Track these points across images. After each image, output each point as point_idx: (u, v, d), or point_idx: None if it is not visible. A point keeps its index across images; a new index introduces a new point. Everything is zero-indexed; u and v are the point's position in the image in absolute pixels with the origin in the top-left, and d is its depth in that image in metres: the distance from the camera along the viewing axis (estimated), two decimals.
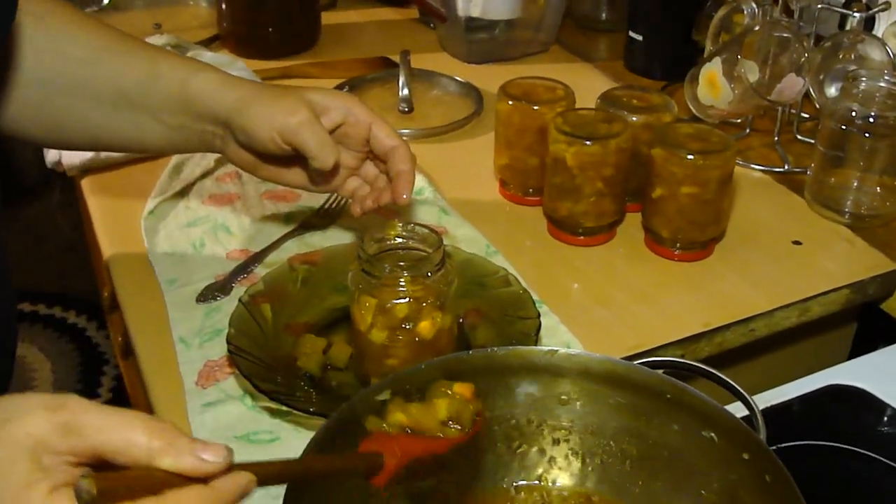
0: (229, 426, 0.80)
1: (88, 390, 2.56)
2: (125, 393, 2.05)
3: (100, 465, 0.48)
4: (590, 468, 0.73)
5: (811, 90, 1.16)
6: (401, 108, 1.31)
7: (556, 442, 0.73)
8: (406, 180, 0.87)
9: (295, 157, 0.87)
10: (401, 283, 0.78)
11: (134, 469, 0.48)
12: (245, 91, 0.84)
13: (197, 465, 0.48)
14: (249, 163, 0.89)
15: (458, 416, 0.66)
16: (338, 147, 0.85)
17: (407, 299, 0.78)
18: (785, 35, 1.12)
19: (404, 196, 0.87)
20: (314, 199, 1.09)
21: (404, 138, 0.89)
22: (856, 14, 1.18)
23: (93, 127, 0.88)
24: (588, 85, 1.37)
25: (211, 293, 0.95)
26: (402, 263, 0.79)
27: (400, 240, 0.82)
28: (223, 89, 0.85)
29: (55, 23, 0.85)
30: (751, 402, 0.71)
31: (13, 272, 0.84)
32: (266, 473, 0.52)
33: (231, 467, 0.50)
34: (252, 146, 0.86)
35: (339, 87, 1.37)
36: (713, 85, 1.12)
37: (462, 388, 0.66)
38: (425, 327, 0.79)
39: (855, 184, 1.08)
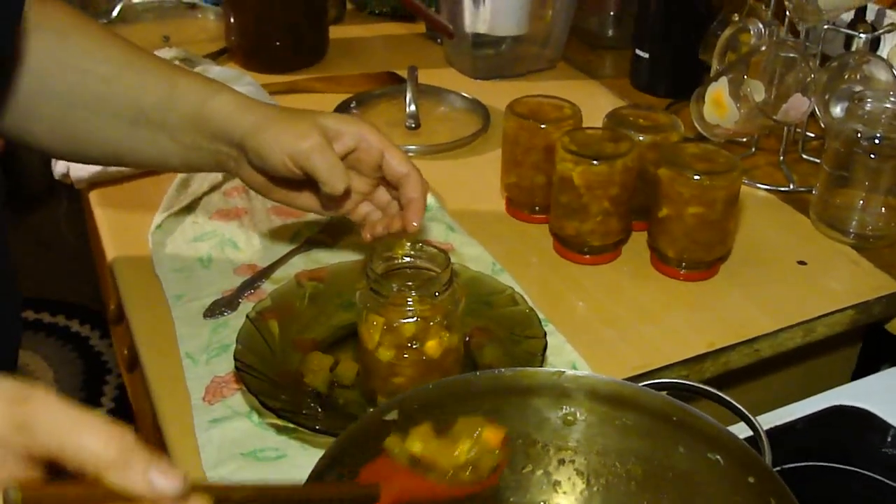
0: (236, 443, 0.81)
1: (91, 399, 2.56)
2: (128, 402, 2.06)
3: (55, 465, 0.47)
4: (595, 489, 0.73)
5: (817, 110, 1.16)
6: (408, 124, 1.32)
7: (561, 462, 0.73)
8: (417, 208, 0.87)
9: (307, 181, 0.87)
10: (408, 303, 0.78)
11: (79, 479, 0.46)
12: (260, 114, 0.85)
13: (144, 488, 0.45)
14: (262, 185, 0.89)
15: (477, 463, 0.64)
16: (348, 172, 0.85)
17: (414, 318, 0.78)
18: (791, 55, 1.13)
19: (414, 224, 0.87)
20: (320, 216, 1.09)
21: (411, 155, 0.90)
22: (861, 35, 1.19)
23: (110, 142, 0.89)
24: (594, 102, 1.38)
25: (218, 309, 0.95)
26: (410, 283, 0.79)
27: (408, 259, 0.82)
28: (240, 112, 0.85)
29: (78, 39, 0.86)
30: (756, 425, 0.71)
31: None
32: (233, 498, 0.49)
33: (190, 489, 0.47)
34: (264, 169, 0.86)
35: (346, 102, 1.38)
36: (719, 104, 1.13)
37: (491, 435, 0.64)
38: (432, 346, 0.79)
39: (860, 204, 1.08)
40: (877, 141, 1.04)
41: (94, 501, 0.45)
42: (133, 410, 1.96)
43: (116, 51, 0.87)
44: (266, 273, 1.01)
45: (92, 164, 1.10)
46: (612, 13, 1.62)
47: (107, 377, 2.64)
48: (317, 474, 0.61)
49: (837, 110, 1.17)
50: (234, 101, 0.86)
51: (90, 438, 0.46)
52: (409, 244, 0.82)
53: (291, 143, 0.82)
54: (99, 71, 0.86)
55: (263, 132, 0.83)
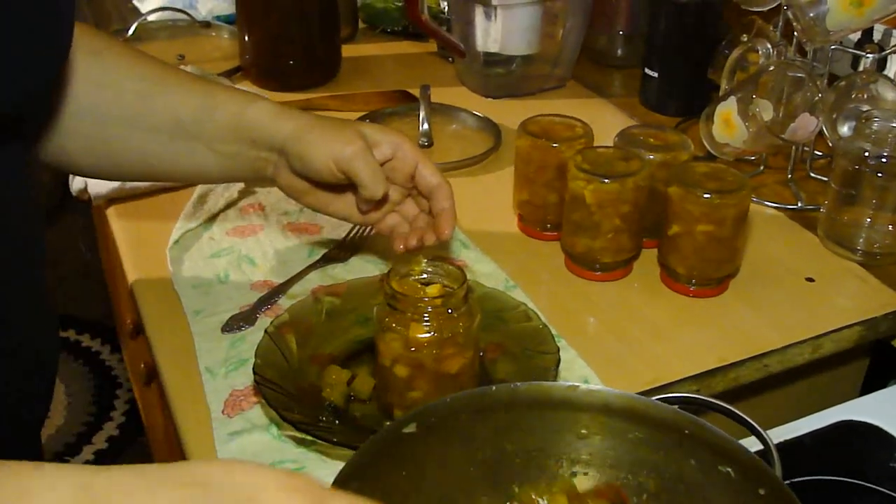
0: (255, 455, 0.82)
1: (102, 413, 2.58)
2: (138, 416, 2.08)
3: None
4: None
5: (824, 129, 1.18)
6: (421, 142, 1.33)
7: (573, 476, 0.74)
8: (448, 217, 0.91)
9: (344, 187, 0.90)
10: (425, 318, 0.80)
11: None
12: (302, 121, 0.88)
13: None
14: (299, 190, 0.92)
15: None
16: (387, 179, 0.88)
17: (431, 334, 0.80)
18: (799, 75, 1.14)
19: (446, 232, 0.91)
20: (336, 232, 1.11)
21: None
22: (869, 55, 1.20)
23: (146, 157, 0.91)
24: (603, 120, 1.39)
25: (236, 323, 0.97)
26: (426, 299, 0.81)
27: (425, 275, 0.83)
28: (281, 118, 0.88)
29: (112, 58, 0.88)
30: (766, 438, 0.72)
31: None
32: None
33: None
34: (306, 173, 0.89)
35: (360, 121, 1.39)
36: (728, 124, 1.14)
37: None
38: (449, 362, 0.80)
39: (868, 222, 1.09)
40: (884, 160, 1.05)
41: None
42: (144, 425, 1.98)
43: (150, 68, 0.90)
44: (282, 289, 1.02)
45: (127, 180, 1.12)
46: (621, 32, 1.63)
47: (117, 391, 2.65)
48: (338, 485, 0.63)
49: (845, 129, 1.19)
50: (273, 108, 0.89)
51: None
52: (425, 261, 0.84)
53: (336, 147, 0.86)
54: (135, 88, 0.88)
55: (308, 136, 0.87)
